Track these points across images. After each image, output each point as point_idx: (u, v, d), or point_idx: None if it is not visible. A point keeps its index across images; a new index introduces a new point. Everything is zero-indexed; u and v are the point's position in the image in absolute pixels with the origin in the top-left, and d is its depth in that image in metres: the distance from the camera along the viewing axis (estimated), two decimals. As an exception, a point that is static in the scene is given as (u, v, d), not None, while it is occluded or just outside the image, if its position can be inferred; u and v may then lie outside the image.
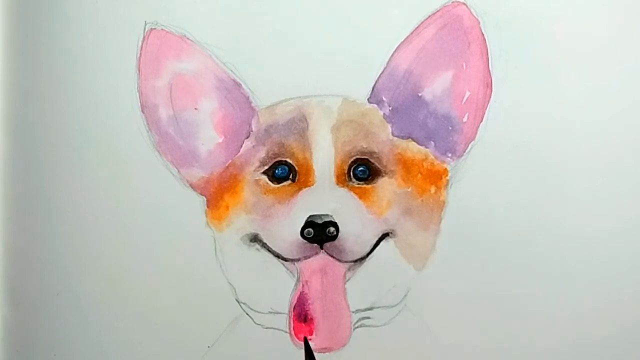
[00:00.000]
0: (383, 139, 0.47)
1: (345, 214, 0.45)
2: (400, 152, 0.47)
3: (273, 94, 0.47)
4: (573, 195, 0.46)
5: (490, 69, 0.46)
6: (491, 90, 0.47)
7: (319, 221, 0.45)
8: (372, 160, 0.46)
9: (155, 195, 0.47)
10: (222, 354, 0.47)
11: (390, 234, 0.46)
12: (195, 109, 0.47)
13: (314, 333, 0.46)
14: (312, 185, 0.46)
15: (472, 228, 0.46)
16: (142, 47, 0.47)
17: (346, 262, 0.46)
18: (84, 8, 0.47)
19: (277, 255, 0.46)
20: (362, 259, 0.46)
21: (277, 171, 0.46)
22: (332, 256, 0.46)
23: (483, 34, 0.46)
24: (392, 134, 0.47)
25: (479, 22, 0.46)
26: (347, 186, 0.46)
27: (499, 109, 0.47)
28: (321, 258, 0.46)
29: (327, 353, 0.46)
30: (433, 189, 0.47)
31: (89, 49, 0.47)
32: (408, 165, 0.47)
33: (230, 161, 0.47)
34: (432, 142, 0.47)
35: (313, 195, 0.46)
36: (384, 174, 0.46)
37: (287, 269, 0.47)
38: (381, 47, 0.46)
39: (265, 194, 0.46)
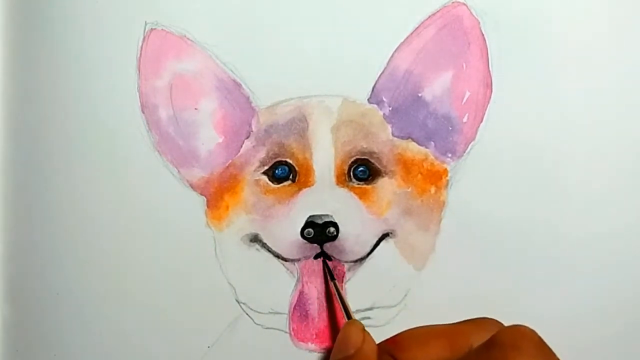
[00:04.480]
0: (383, 139, 0.47)
1: (346, 214, 0.45)
2: (400, 152, 0.47)
3: (273, 94, 0.47)
4: (573, 196, 0.47)
5: (490, 69, 0.47)
6: (491, 91, 0.47)
7: (319, 221, 0.45)
8: (372, 161, 0.46)
9: (155, 195, 0.47)
10: (222, 354, 0.47)
11: (390, 234, 0.46)
12: (195, 109, 0.47)
13: (314, 333, 0.46)
14: (312, 185, 0.46)
15: (472, 228, 0.46)
16: (142, 47, 0.47)
17: (346, 262, 0.46)
18: (84, 8, 0.47)
19: (277, 256, 0.46)
20: (362, 259, 0.46)
21: (277, 171, 0.46)
22: (332, 256, 0.46)
23: (483, 34, 0.46)
24: (392, 134, 0.47)
25: (479, 22, 0.46)
26: (347, 186, 0.46)
27: (499, 109, 0.47)
28: (321, 258, 0.46)
29: (327, 353, 0.46)
30: (433, 189, 0.47)
31: (89, 49, 0.47)
32: (408, 166, 0.47)
33: (230, 161, 0.47)
34: (432, 142, 0.47)
35: (313, 196, 0.46)
36: (384, 174, 0.46)
37: (287, 269, 0.47)
38: (381, 47, 0.46)
39: (265, 194, 0.46)
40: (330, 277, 0.46)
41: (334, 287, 0.45)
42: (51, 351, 0.48)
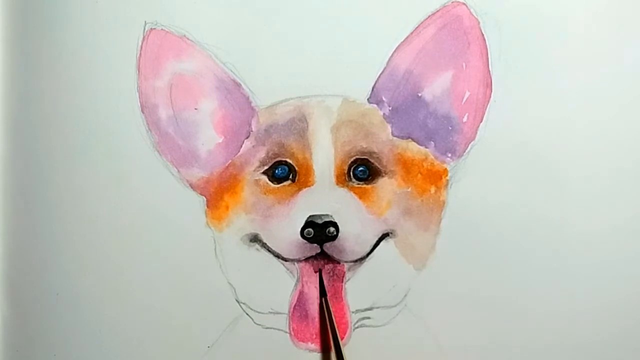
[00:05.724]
0: (383, 139, 0.47)
1: (345, 214, 0.45)
2: (400, 152, 0.47)
3: (273, 94, 0.47)
4: (573, 195, 0.47)
5: (490, 69, 0.47)
6: (491, 90, 0.47)
7: (319, 221, 0.45)
8: (372, 160, 0.46)
9: (155, 195, 0.47)
10: (222, 354, 0.47)
11: (390, 234, 0.46)
12: (195, 109, 0.47)
13: (314, 333, 0.46)
14: (312, 185, 0.46)
15: (472, 228, 0.46)
16: (142, 47, 0.47)
17: (346, 262, 0.46)
18: (84, 8, 0.47)
19: (277, 256, 0.46)
20: (362, 259, 0.46)
21: (277, 171, 0.46)
22: (332, 256, 0.46)
23: (483, 34, 0.46)
24: (392, 134, 0.47)
25: (479, 22, 0.46)
26: (347, 186, 0.46)
27: (499, 109, 0.47)
28: (321, 258, 0.46)
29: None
30: (433, 189, 0.47)
31: (89, 49, 0.47)
32: (408, 166, 0.47)
33: (230, 161, 0.47)
34: (432, 142, 0.47)
35: (313, 196, 0.46)
36: (383, 174, 0.46)
37: (287, 269, 0.47)
38: (381, 47, 0.46)
39: (265, 194, 0.46)
40: (322, 293, 0.46)
41: (324, 304, 0.45)
42: (51, 351, 0.48)
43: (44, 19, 0.48)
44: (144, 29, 0.47)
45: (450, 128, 0.47)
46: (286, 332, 0.47)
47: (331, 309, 0.45)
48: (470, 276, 0.46)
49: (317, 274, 0.46)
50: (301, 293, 0.46)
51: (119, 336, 0.47)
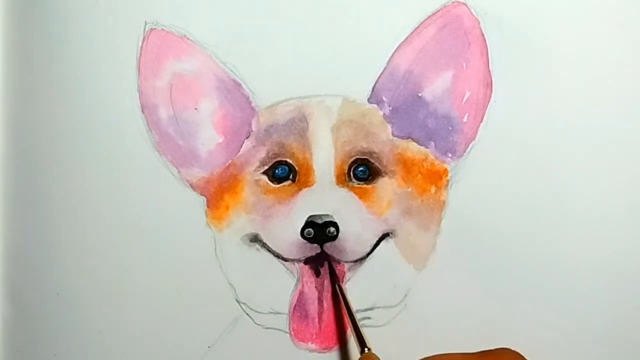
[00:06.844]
0: (383, 139, 0.47)
1: (346, 214, 0.45)
2: (400, 152, 0.47)
3: (273, 94, 0.47)
4: (573, 195, 0.47)
5: (491, 69, 0.47)
6: (491, 90, 0.47)
7: (319, 221, 0.45)
8: (372, 161, 0.46)
9: (155, 195, 0.47)
10: (222, 354, 0.47)
11: (390, 234, 0.46)
12: (195, 109, 0.47)
13: (314, 333, 0.46)
14: (312, 185, 0.46)
15: (472, 228, 0.46)
16: (142, 47, 0.47)
17: (346, 262, 0.46)
18: (84, 8, 0.47)
19: (277, 256, 0.46)
20: (362, 259, 0.46)
21: (277, 171, 0.46)
22: (332, 256, 0.46)
23: (483, 34, 0.46)
24: (392, 134, 0.47)
25: (479, 22, 0.46)
26: (347, 186, 0.46)
27: (499, 109, 0.47)
28: (321, 258, 0.46)
29: (327, 353, 0.46)
30: (433, 189, 0.47)
31: (89, 49, 0.47)
32: (408, 166, 0.47)
33: (230, 161, 0.47)
34: (432, 142, 0.47)
35: (313, 196, 0.46)
36: (384, 174, 0.46)
37: (287, 269, 0.47)
38: (381, 47, 0.46)
39: (265, 194, 0.46)
40: (331, 278, 0.46)
41: (339, 291, 0.45)
42: (51, 351, 0.48)
43: (44, 18, 0.48)
44: (144, 29, 0.47)
45: (450, 128, 0.47)
46: (286, 332, 0.47)
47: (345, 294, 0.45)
48: (470, 276, 0.46)
49: (318, 274, 0.46)
50: (301, 293, 0.46)
51: (119, 336, 0.47)
